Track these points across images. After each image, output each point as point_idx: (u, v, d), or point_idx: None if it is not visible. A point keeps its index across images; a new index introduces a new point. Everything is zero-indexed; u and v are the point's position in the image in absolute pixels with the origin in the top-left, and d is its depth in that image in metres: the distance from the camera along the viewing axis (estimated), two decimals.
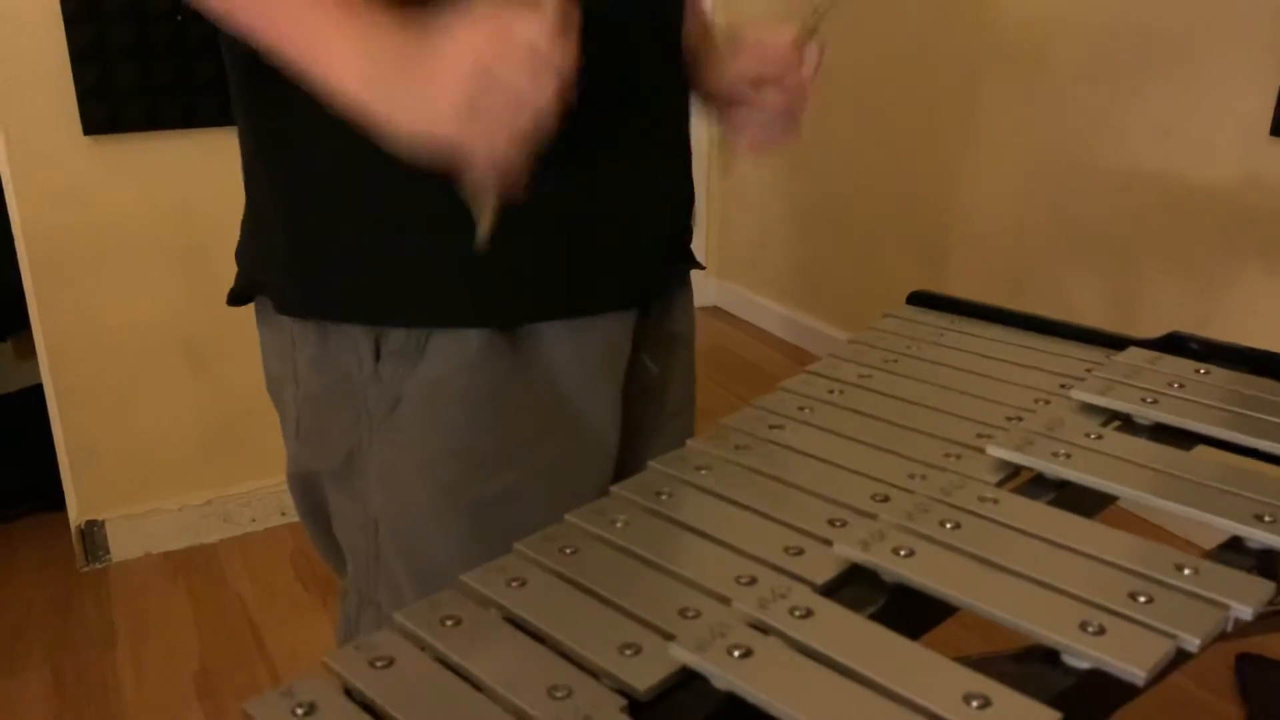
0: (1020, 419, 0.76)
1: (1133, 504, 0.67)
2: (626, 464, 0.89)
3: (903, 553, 0.59)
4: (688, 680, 0.51)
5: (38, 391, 1.98)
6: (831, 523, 0.63)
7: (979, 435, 0.74)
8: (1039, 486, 0.69)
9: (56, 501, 2.06)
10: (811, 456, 0.73)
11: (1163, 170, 2.02)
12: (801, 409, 0.80)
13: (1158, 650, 0.50)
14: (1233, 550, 0.61)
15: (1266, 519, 0.61)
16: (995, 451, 0.71)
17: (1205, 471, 0.67)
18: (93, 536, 2.07)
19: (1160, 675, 0.51)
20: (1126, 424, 0.77)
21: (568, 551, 0.62)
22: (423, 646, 0.54)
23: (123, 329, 1.98)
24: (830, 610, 0.55)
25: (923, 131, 2.58)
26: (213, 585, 2.04)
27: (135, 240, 1.95)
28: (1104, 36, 2.09)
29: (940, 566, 0.58)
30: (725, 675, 0.50)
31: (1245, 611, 0.54)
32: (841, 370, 0.87)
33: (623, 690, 0.50)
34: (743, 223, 3.33)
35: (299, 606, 1.96)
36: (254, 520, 2.19)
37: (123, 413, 2.02)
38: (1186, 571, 0.56)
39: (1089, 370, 0.84)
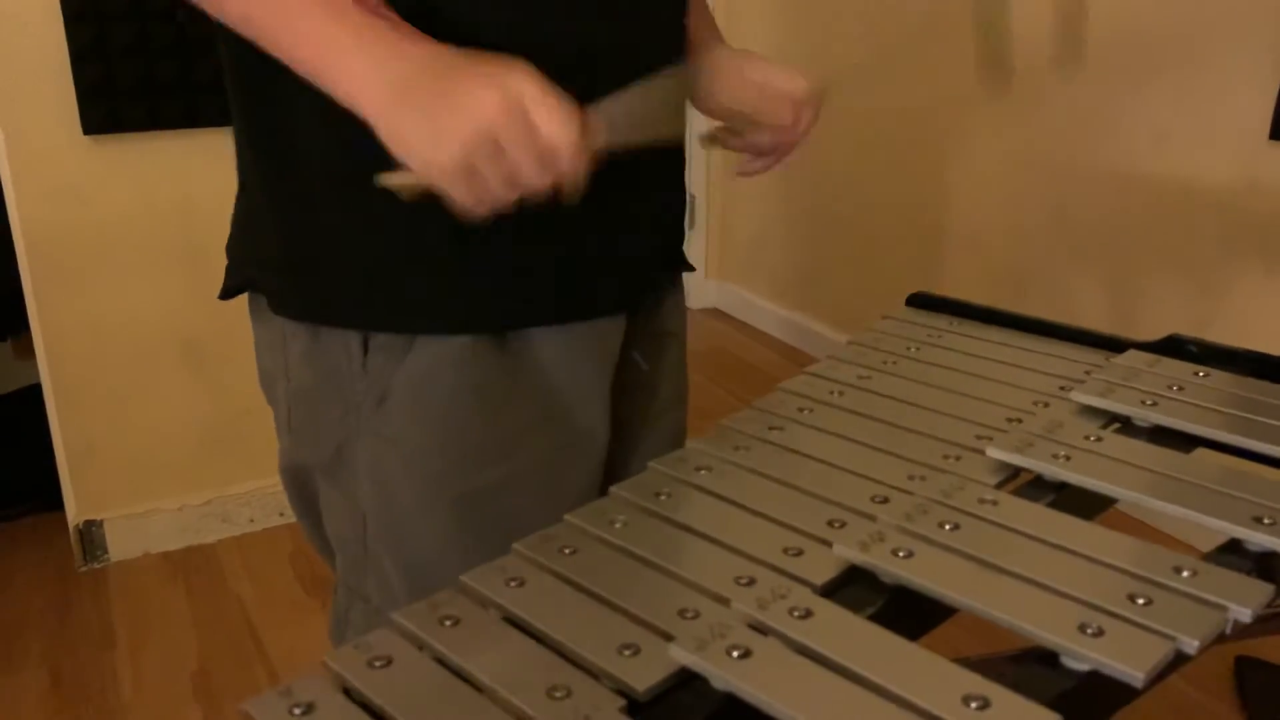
0: (1019, 421, 0.76)
1: (1132, 506, 0.67)
2: (617, 459, 0.89)
3: (902, 554, 0.59)
4: (687, 681, 0.51)
5: (36, 391, 1.98)
6: (831, 524, 0.63)
7: (978, 437, 0.74)
8: (1038, 488, 0.69)
9: (55, 501, 2.06)
10: (811, 458, 0.73)
11: (1162, 173, 2.02)
12: (801, 410, 0.80)
13: (1156, 652, 0.50)
14: (1231, 552, 0.61)
15: (1265, 521, 0.61)
16: (994, 453, 0.71)
17: (1204, 474, 0.67)
18: (91, 536, 2.07)
19: (1159, 677, 0.51)
20: (1126, 426, 0.77)
21: (567, 552, 0.62)
22: (421, 646, 0.54)
23: (122, 329, 1.98)
24: (829, 611, 0.55)
25: (921, 133, 2.58)
26: (211, 585, 2.04)
27: (135, 240, 1.95)
28: (1103, 39, 2.09)
29: (939, 568, 0.58)
30: (724, 676, 0.50)
31: (1244, 614, 0.54)
32: (841, 372, 0.87)
33: (622, 690, 0.50)
34: (742, 224, 3.33)
35: (298, 607, 1.96)
36: (253, 520, 2.19)
37: (122, 413, 2.02)
38: (1185, 574, 0.56)
39: (1088, 372, 0.84)
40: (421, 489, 0.79)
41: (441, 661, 0.53)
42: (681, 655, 0.51)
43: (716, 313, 3.43)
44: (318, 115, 0.69)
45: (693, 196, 3.34)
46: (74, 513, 2.05)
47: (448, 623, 0.56)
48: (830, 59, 2.81)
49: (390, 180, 0.67)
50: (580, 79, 0.69)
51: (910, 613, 0.57)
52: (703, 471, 0.71)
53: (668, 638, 0.53)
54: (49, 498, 2.09)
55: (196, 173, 1.91)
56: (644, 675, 0.51)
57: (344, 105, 0.65)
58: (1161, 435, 0.75)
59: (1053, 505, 0.66)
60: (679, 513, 0.66)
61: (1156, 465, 0.69)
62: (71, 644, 1.87)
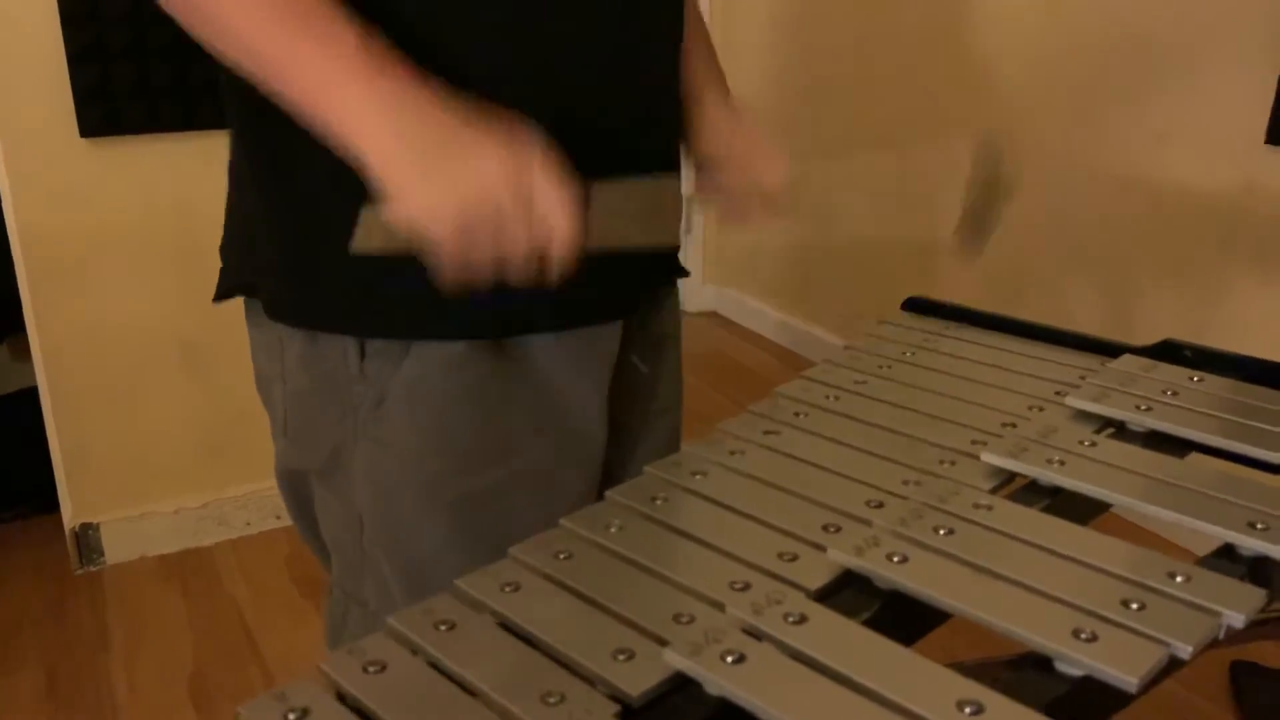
0: (1014, 426, 0.76)
1: (1126, 511, 0.67)
2: (616, 462, 0.89)
3: (896, 559, 0.59)
4: (681, 686, 0.51)
5: (33, 393, 1.98)
6: (826, 528, 0.63)
7: (973, 442, 0.74)
8: (1033, 493, 0.69)
9: (51, 504, 2.06)
10: (806, 462, 0.73)
11: (1159, 177, 2.02)
12: (797, 415, 0.80)
13: (1150, 658, 0.50)
14: (1225, 558, 0.61)
15: (1259, 527, 0.61)
16: (989, 458, 0.71)
17: (1198, 479, 0.67)
18: (87, 539, 2.07)
19: (1152, 683, 0.51)
20: (1120, 431, 0.77)
21: (562, 556, 0.62)
22: (415, 651, 0.54)
23: (119, 331, 1.98)
24: (824, 616, 0.55)
25: (919, 137, 2.59)
26: (207, 588, 2.04)
27: (132, 243, 1.95)
28: (1101, 43, 2.10)
29: (934, 573, 0.58)
30: (719, 681, 0.50)
31: (1237, 619, 0.54)
32: (837, 376, 0.87)
33: (616, 696, 0.50)
34: (739, 228, 3.33)
35: (294, 610, 1.95)
36: (249, 524, 2.19)
37: (118, 415, 2.02)
38: (1179, 579, 0.56)
39: (1083, 377, 0.84)
40: (419, 492, 0.79)
41: (436, 666, 0.53)
42: (676, 660, 0.51)
43: (713, 316, 3.43)
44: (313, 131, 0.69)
45: (689, 200, 3.34)
46: (70, 515, 2.05)
47: (442, 627, 0.56)
48: (828, 61, 2.81)
49: (361, 245, 0.67)
50: (577, 128, 0.69)
51: (905, 618, 0.57)
52: (698, 476, 0.71)
53: (662, 643, 0.53)
54: (45, 500, 2.08)
55: (194, 175, 1.90)
56: (638, 680, 0.51)
57: (342, 147, 0.65)
58: (1156, 440, 0.76)
59: (1047, 510, 0.66)
60: (674, 517, 0.66)
61: (1151, 470, 0.69)
62: (67, 646, 1.87)
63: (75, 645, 1.87)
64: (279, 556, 2.11)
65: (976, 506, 0.64)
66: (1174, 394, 0.80)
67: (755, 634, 0.53)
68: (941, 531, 0.61)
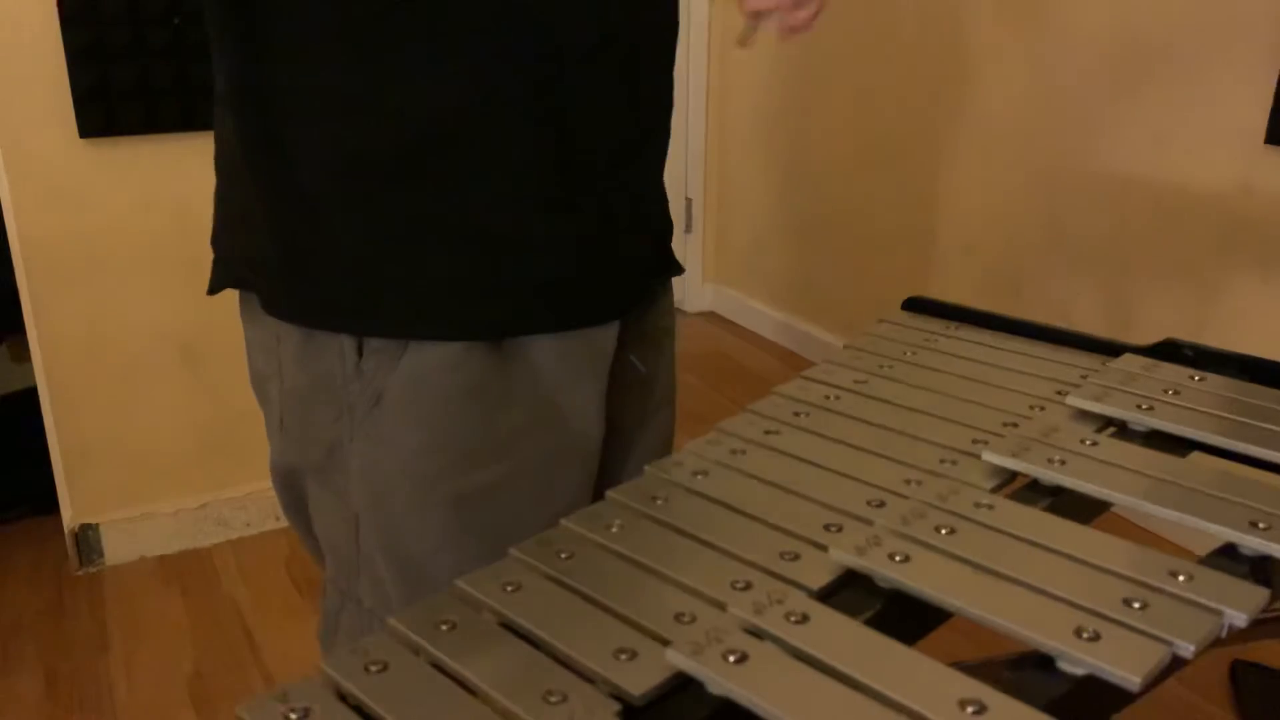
0: (1016, 425, 0.76)
1: (1128, 510, 0.67)
2: (612, 459, 0.89)
3: (898, 558, 0.59)
4: (683, 685, 0.51)
5: (33, 394, 1.98)
6: (827, 528, 0.63)
7: (974, 441, 0.74)
8: (1034, 492, 0.69)
9: (50, 505, 2.06)
10: (807, 462, 0.72)
11: (1159, 178, 2.02)
12: (797, 414, 0.80)
13: (1152, 657, 0.50)
14: (1227, 557, 0.61)
15: (1261, 526, 0.61)
16: (990, 457, 0.71)
17: (1200, 478, 0.67)
18: (87, 540, 2.07)
19: (1155, 681, 0.51)
20: (1121, 430, 0.77)
21: (563, 556, 0.62)
22: (417, 651, 0.54)
23: (118, 332, 1.98)
24: (825, 616, 0.55)
25: (919, 137, 2.59)
26: (207, 589, 2.04)
27: (131, 243, 1.95)
28: (1100, 44, 2.10)
29: (936, 572, 0.58)
30: (720, 680, 0.50)
31: (1239, 618, 0.54)
32: (837, 376, 0.87)
33: (617, 695, 0.50)
34: (739, 228, 3.33)
35: (293, 610, 1.95)
36: (248, 524, 2.19)
37: (117, 416, 2.02)
38: (1181, 578, 0.56)
39: (1084, 377, 0.84)
40: (415, 489, 0.79)
41: (437, 666, 0.53)
42: (677, 660, 0.51)
43: (713, 316, 3.43)
44: (314, 120, 0.69)
45: (689, 200, 3.34)
46: (69, 516, 2.05)
47: (444, 627, 0.56)
48: (826, 61, 2.81)
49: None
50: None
51: (906, 617, 0.57)
52: (699, 475, 0.71)
53: (664, 642, 0.53)
54: (45, 501, 2.08)
55: (193, 176, 1.90)
56: (640, 680, 0.51)
57: None
58: (1157, 439, 0.75)
59: (1049, 509, 0.66)
60: (675, 517, 0.66)
61: (1152, 469, 0.69)
62: (66, 648, 1.87)
63: (74, 646, 1.87)
64: (278, 557, 2.11)
65: (978, 506, 0.64)
66: (1175, 393, 0.80)
67: (757, 633, 0.53)
68: (943, 531, 0.61)
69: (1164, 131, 1.99)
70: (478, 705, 0.50)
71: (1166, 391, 0.80)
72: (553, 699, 0.50)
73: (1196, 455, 0.75)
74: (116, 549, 2.09)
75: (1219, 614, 0.54)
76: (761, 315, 3.27)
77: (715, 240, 3.42)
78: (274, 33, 0.72)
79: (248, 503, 2.16)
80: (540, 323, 0.79)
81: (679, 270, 0.94)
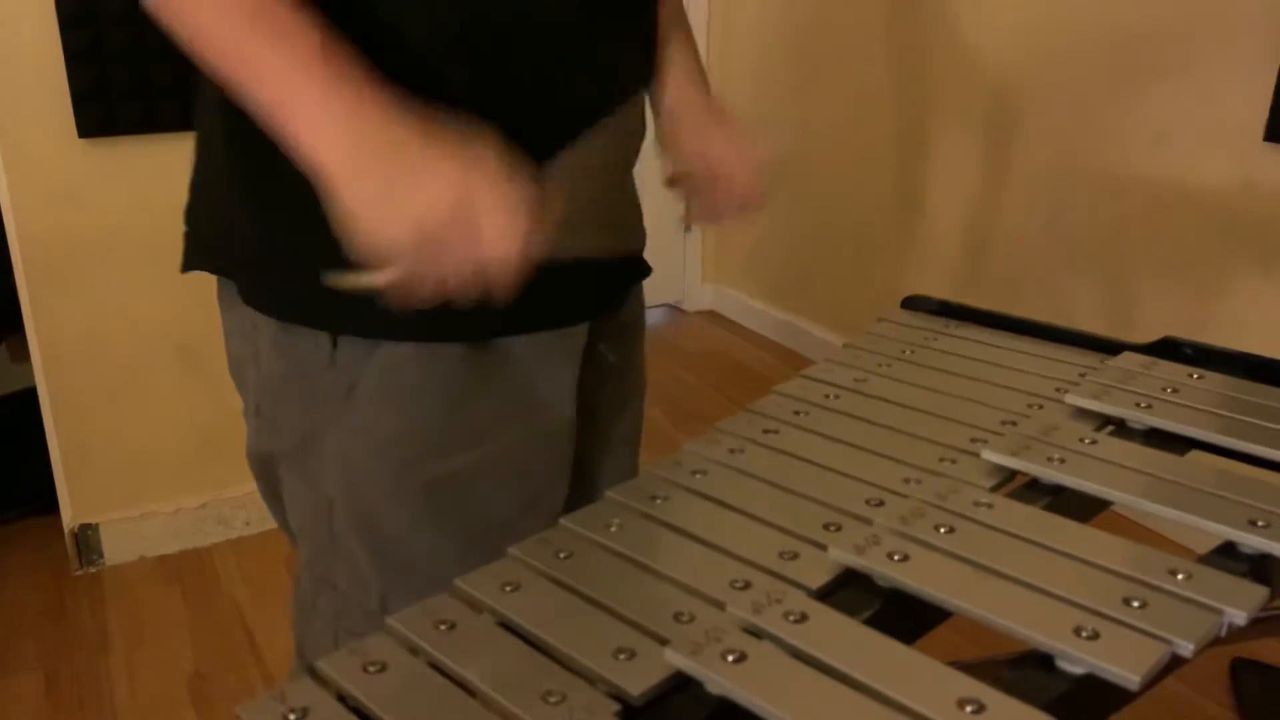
0: (1015, 424, 0.76)
1: (1127, 509, 0.67)
2: (587, 446, 0.91)
3: (897, 557, 0.59)
4: (681, 685, 0.51)
5: (32, 395, 1.98)
6: (826, 527, 0.63)
7: (973, 440, 0.74)
8: (1033, 491, 0.69)
9: (50, 505, 2.05)
10: (806, 461, 0.73)
11: (1158, 175, 2.02)
12: (796, 413, 0.80)
13: (1151, 655, 0.50)
14: (1226, 555, 0.61)
15: (1260, 524, 0.61)
16: (990, 456, 0.71)
17: (1199, 476, 0.67)
18: (86, 540, 2.06)
19: (1154, 680, 0.51)
20: (1121, 429, 0.77)
21: (562, 556, 0.62)
22: (415, 651, 0.54)
23: (117, 332, 1.98)
24: (824, 615, 0.55)
25: (917, 135, 2.59)
26: (207, 589, 2.03)
27: (130, 243, 1.95)
28: (1100, 41, 2.10)
29: (935, 571, 0.58)
30: (719, 680, 0.50)
31: (1239, 616, 0.54)
32: (836, 374, 0.87)
33: (616, 695, 0.50)
34: (738, 227, 3.33)
35: None
36: (248, 524, 2.18)
37: (117, 416, 2.02)
38: (1180, 576, 0.56)
39: (1083, 375, 0.84)
40: (389, 476, 0.80)
41: (436, 666, 0.53)
42: (676, 659, 0.51)
43: (713, 315, 3.43)
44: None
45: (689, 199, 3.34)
46: (69, 516, 2.05)
47: (442, 627, 0.56)
48: (823, 61, 2.81)
49: (340, 281, 0.68)
50: (546, 123, 0.71)
51: (905, 616, 0.57)
52: (698, 475, 0.71)
53: (663, 642, 0.53)
54: (44, 501, 2.08)
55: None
56: (638, 679, 0.51)
57: (302, 157, 0.66)
58: (1156, 438, 0.76)
59: (1048, 508, 0.66)
60: (674, 516, 0.66)
61: (1151, 468, 0.69)
62: (67, 648, 1.87)
63: (75, 646, 1.87)
64: (279, 556, 2.11)
65: (977, 505, 0.64)
66: (1174, 391, 0.80)
67: (756, 633, 0.53)
68: (942, 530, 0.61)
69: (1163, 129, 1.99)
70: (476, 705, 0.50)
71: (1166, 390, 0.80)
72: (551, 699, 0.50)
73: (1195, 453, 0.75)
74: (116, 549, 2.09)
75: (1218, 612, 0.54)
76: (761, 314, 3.26)
77: (715, 240, 3.42)
78: None
79: (248, 502, 2.16)
80: (510, 326, 0.80)
81: (647, 272, 0.95)
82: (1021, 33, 2.27)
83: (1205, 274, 1.98)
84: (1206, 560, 0.60)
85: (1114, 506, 0.67)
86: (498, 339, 0.80)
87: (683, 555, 0.62)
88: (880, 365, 0.89)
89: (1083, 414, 0.78)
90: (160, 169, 1.92)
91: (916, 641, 0.56)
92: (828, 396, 0.83)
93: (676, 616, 0.55)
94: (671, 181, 0.94)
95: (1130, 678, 0.49)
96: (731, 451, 0.74)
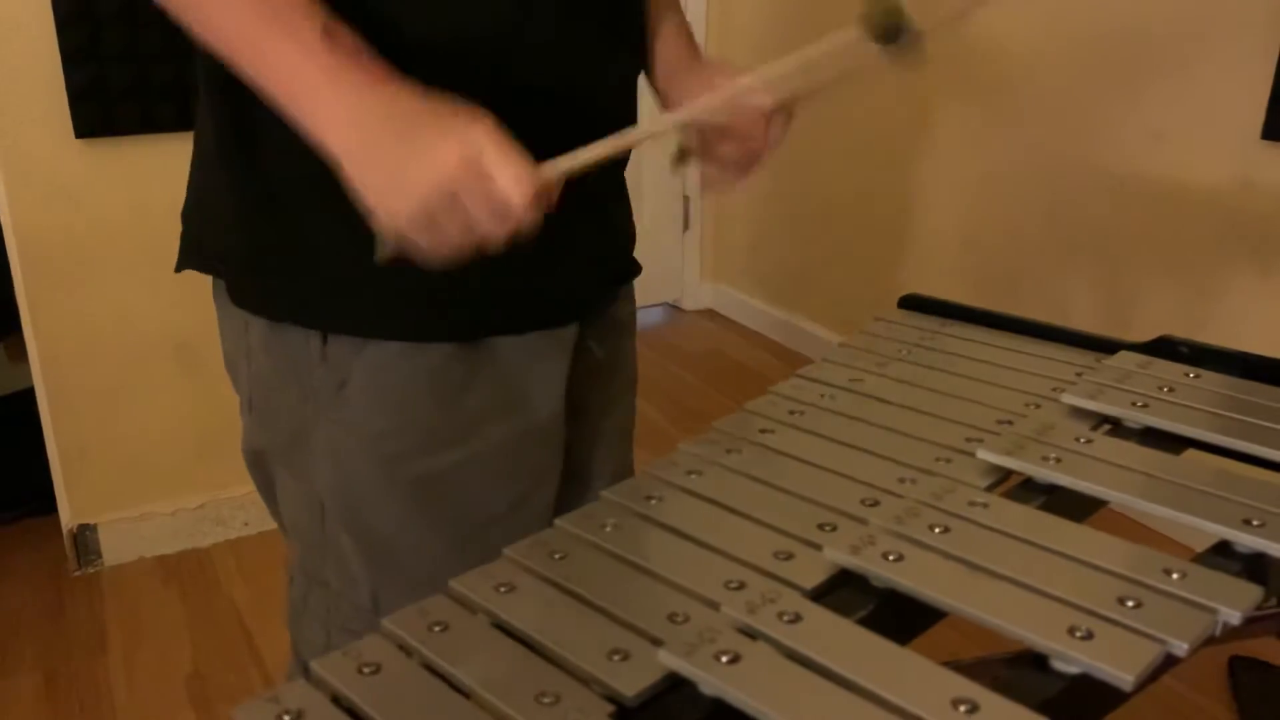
0: (1010, 423, 0.76)
1: (1122, 508, 0.67)
2: (577, 442, 0.90)
3: (892, 557, 0.59)
4: (675, 686, 0.51)
5: (30, 395, 1.98)
6: (821, 527, 0.63)
7: (969, 439, 0.74)
8: (1029, 491, 0.69)
9: (49, 505, 2.05)
10: (802, 460, 0.73)
11: (1156, 174, 2.02)
12: (792, 413, 0.80)
13: (1146, 655, 0.50)
14: (1221, 554, 0.61)
15: (1255, 523, 0.61)
16: (985, 455, 0.71)
17: (1194, 475, 0.67)
18: (85, 540, 2.06)
19: (1148, 680, 0.51)
20: (1116, 428, 0.77)
21: (557, 556, 0.62)
22: (410, 652, 0.54)
23: (115, 332, 1.98)
24: (819, 615, 0.55)
25: (916, 134, 2.58)
26: (206, 589, 2.03)
27: (127, 243, 1.94)
28: (1098, 40, 2.10)
29: (929, 571, 0.58)
30: (713, 681, 0.50)
31: (1233, 616, 0.54)
32: (832, 374, 0.87)
33: (610, 696, 0.50)
34: (736, 226, 3.33)
35: None
36: (247, 524, 2.18)
37: (115, 416, 2.02)
38: (1175, 576, 0.56)
39: (1079, 374, 0.84)
40: (379, 471, 0.80)
41: (430, 668, 0.53)
42: (670, 660, 0.51)
43: (711, 314, 3.43)
44: (286, 119, 0.69)
45: (687, 198, 3.34)
46: (68, 517, 2.05)
47: (437, 628, 0.56)
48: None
49: (380, 254, 0.69)
50: (539, 103, 0.71)
51: (900, 616, 0.57)
52: (693, 475, 0.71)
53: (657, 642, 0.53)
54: (43, 502, 2.08)
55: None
56: (633, 680, 0.51)
57: (309, 134, 0.67)
58: (1152, 437, 0.75)
59: (1043, 507, 0.66)
60: (669, 516, 0.66)
61: (1147, 467, 0.69)
62: (65, 648, 1.87)
63: (73, 647, 1.87)
64: (278, 557, 2.10)
65: (972, 504, 0.64)
66: (1170, 390, 0.80)
67: (750, 633, 0.53)
68: (937, 529, 0.61)
69: (1161, 127, 1.99)
70: (470, 706, 0.50)
71: (1162, 389, 0.80)
72: (545, 700, 0.50)
73: (1191, 453, 0.75)
74: (115, 549, 2.09)
75: (1213, 612, 0.54)
76: (760, 313, 3.26)
77: (713, 238, 3.41)
78: None
79: (246, 502, 2.16)
80: (499, 326, 0.80)
81: (637, 271, 0.95)
82: (1020, 31, 2.27)
83: (1202, 273, 1.98)
84: (1201, 559, 0.60)
85: (1109, 505, 0.67)
86: (487, 338, 0.80)
87: (677, 555, 0.62)
88: (876, 365, 0.88)
89: (1079, 413, 0.78)
90: (157, 169, 1.92)
91: (911, 641, 0.56)
92: (823, 396, 0.83)
93: (671, 617, 0.55)
94: (680, 156, 0.93)
95: (1124, 677, 0.49)
96: (727, 451, 0.74)
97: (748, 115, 0.88)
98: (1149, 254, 2.07)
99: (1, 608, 1.97)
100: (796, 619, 0.54)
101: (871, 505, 0.65)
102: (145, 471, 2.07)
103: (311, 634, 0.87)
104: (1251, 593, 0.55)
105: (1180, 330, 0.89)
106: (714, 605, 0.56)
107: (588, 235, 0.85)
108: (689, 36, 0.95)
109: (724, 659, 0.51)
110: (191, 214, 0.88)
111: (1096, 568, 0.57)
